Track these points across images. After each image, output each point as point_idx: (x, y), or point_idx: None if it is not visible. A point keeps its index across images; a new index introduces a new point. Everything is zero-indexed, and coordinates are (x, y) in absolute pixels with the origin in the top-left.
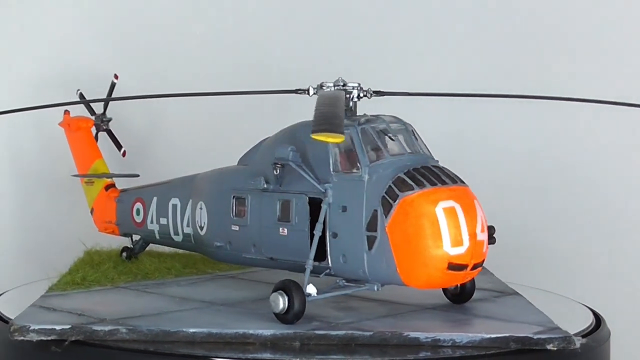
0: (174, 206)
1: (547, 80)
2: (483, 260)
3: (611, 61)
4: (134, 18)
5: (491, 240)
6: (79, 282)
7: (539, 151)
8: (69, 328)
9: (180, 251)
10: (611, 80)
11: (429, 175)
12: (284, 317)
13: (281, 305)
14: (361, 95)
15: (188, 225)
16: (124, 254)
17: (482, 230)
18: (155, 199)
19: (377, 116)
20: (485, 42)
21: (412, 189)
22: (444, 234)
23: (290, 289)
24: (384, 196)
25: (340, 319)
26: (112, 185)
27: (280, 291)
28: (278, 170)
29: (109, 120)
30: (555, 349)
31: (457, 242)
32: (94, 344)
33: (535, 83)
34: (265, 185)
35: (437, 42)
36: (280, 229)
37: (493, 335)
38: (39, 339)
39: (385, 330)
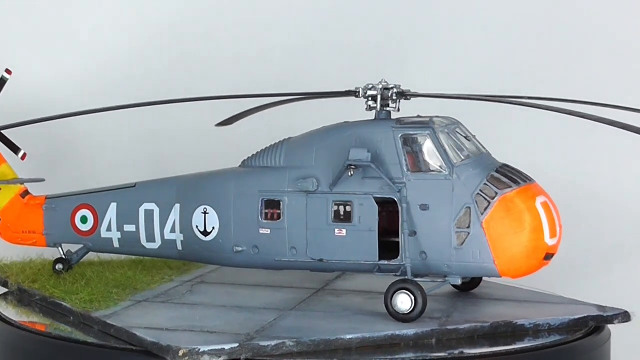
0: (149, 211)
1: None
2: None
3: None
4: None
5: None
6: (100, 299)
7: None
8: (237, 346)
9: (120, 257)
10: None
11: (515, 173)
12: (406, 316)
13: (409, 305)
14: (394, 96)
15: (173, 231)
16: (59, 265)
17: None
18: (114, 204)
19: (441, 117)
20: (522, 45)
21: (510, 186)
22: (544, 226)
23: (413, 288)
24: (478, 193)
25: (431, 314)
26: (27, 192)
27: (405, 291)
28: (352, 172)
29: None
30: (619, 323)
31: (554, 233)
32: None
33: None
34: (316, 187)
35: (466, 44)
36: (336, 229)
37: (577, 316)
38: None
39: (499, 320)
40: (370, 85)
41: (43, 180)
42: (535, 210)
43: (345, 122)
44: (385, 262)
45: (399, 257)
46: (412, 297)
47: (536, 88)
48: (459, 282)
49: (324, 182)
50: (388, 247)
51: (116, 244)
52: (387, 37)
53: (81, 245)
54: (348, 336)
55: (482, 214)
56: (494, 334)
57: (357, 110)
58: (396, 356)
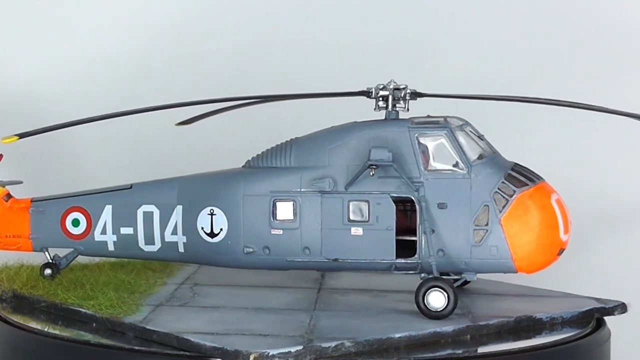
0: (148, 214)
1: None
2: None
3: None
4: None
5: None
6: (121, 304)
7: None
8: (302, 349)
9: (94, 260)
10: None
11: (529, 171)
12: (440, 314)
13: (443, 302)
14: (407, 97)
15: (175, 233)
16: (48, 271)
17: None
18: (109, 207)
19: (452, 117)
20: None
21: (527, 184)
22: (560, 223)
23: (445, 286)
24: (497, 192)
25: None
26: (10, 195)
27: (438, 289)
28: (373, 172)
29: None
30: (619, 315)
31: (566, 229)
32: None
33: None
34: (333, 187)
35: (465, 44)
36: (353, 229)
37: (584, 309)
38: None
39: (522, 314)
40: (382, 86)
41: (21, 182)
42: (552, 207)
43: (354, 122)
44: (402, 260)
45: (416, 256)
46: (446, 295)
47: (537, 87)
48: (475, 278)
49: (340, 182)
50: (402, 245)
51: (111, 248)
52: (387, 37)
53: (71, 250)
54: (397, 335)
55: (500, 211)
56: (517, 329)
57: (350, 110)
58: (437, 354)
